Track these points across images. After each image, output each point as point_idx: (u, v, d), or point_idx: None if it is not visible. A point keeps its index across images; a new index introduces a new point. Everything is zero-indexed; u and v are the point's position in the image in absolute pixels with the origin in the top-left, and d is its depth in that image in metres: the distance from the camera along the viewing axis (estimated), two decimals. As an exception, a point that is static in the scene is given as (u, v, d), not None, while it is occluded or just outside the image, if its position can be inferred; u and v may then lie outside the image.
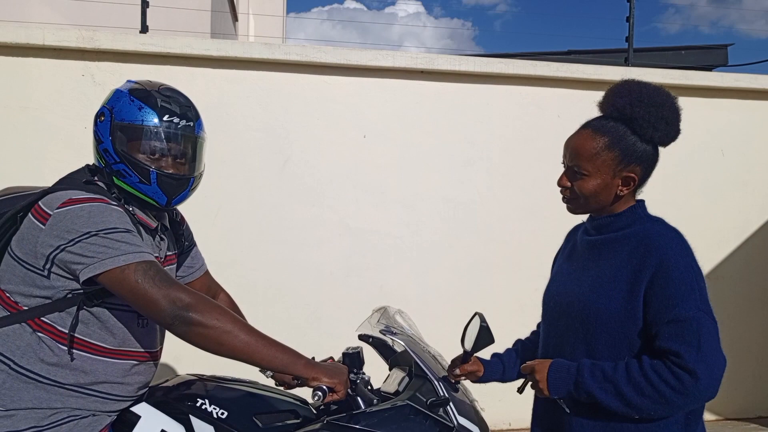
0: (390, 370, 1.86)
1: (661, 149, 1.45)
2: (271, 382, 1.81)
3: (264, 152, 3.40)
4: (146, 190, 1.48)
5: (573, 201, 1.48)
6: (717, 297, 3.98)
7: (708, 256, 3.87)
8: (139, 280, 1.30)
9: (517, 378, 1.71)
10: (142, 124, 1.47)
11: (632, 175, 1.41)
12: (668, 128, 1.39)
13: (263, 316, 3.26)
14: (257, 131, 3.39)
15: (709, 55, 6.31)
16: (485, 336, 1.50)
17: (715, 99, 3.84)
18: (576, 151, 1.43)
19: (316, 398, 1.38)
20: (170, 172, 1.50)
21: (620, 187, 1.42)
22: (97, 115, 1.50)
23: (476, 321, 1.53)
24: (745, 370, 3.96)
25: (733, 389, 3.95)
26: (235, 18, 7.64)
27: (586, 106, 3.91)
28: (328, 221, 3.46)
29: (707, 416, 3.92)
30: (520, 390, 1.53)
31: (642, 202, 1.49)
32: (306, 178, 3.44)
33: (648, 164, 1.43)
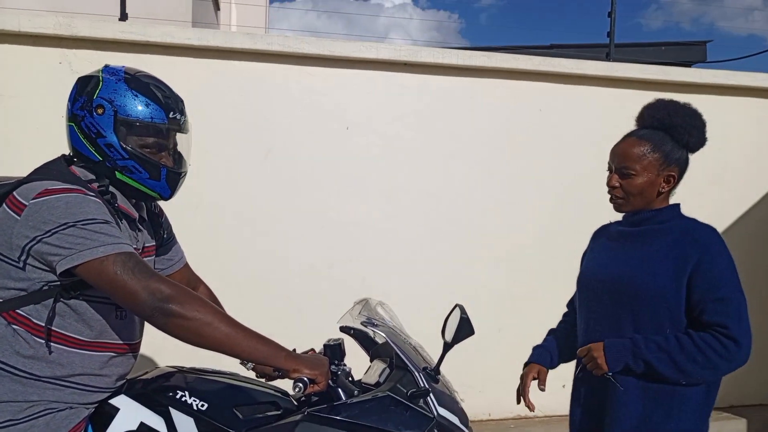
0: (371, 361, 1.87)
1: None
2: (251, 374, 1.81)
3: (245, 143, 3.37)
4: (154, 185, 1.50)
5: (622, 198, 1.72)
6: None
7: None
8: (118, 272, 1.29)
9: (560, 363, 1.94)
10: (152, 121, 1.47)
11: (673, 174, 1.67)
12: (699, 135, 1.68)
13: (244, 308, 3.22)
14: (239, 122, 3.35)
15: (688, 52, 6.40)
16: (465, 328, 1.51)
17: (693, 95, 3.87)
18: (625, 154, 1.69)
19: (297, 389, 1.39)
20: (174, 167, 1.54)
21: (662, 185, 1.67)
22: (92, 107, 1.44)
23: (456, 313, 1.55)
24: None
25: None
26: (217, 7, 7.55)
27: (568, 100, 3.98)
28: (310, 213, 3.44)
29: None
30: (579, 373, 1.80)
31: (678, 204, 1.75)
32: (288, 170, 3.42)
33: (683, 166, 1.69)
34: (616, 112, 3.77)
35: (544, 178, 3.72)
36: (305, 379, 1.39)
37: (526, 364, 1.93)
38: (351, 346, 1.83)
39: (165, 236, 1.76)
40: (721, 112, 3.93)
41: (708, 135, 1.72)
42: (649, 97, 3.86)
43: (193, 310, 1.31)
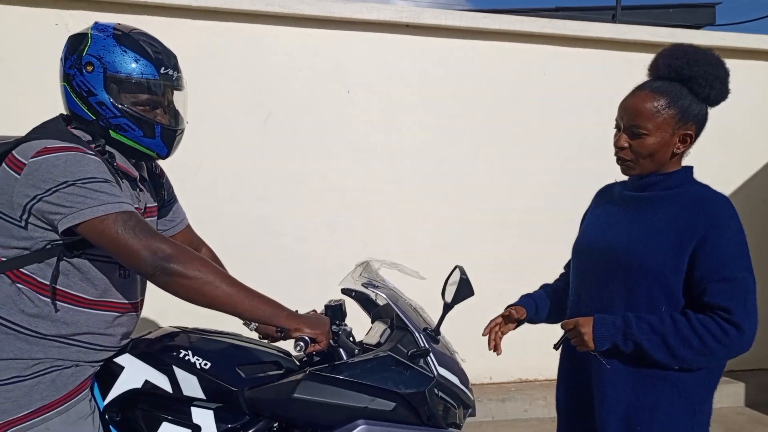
0: (372, 323, 1.88)
1: None
2: (254, 335, 1.83)
3: (246, 106, 3.34)
4: (149, 143, 1.48)
5: (631, 161, 1.52)
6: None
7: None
8: (120, 231, 1.29)
9: (547, 321, 1.81)
10: (142, 77, 1.44)
11: (690, 132, 1.47)
12: (722, 87, 1.47)
13: (246, 271, 3.22)
14: (238, 84, 3.32)
15: (697, 14, 6.27)
16: (465, 288, 1.52)
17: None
18: (635, 110, 1.48)
19: (298, 348, 1.40)
20: (169, 124, 1.51)
21: (678, 145, 1.47)
22: (81, 65, 1.42)
23: (456, 274, 1.55)
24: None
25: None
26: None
27: (573, 63, 3.92)
28: (312, 176, 3.43)
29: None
30: (557, 346, 1.59)
31: (691, 167, 1.55)
32: (289, 133, 3.39)
33: (701, 124, 1.49)
34: (623, 76, 3.68)
35: (548, 143, 3.69)
36: (306, 338, 1.40)
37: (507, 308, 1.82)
38: (353, 307, 1.85)
39: (166, 197, 1.75)
40: (732, 75, 3.88)
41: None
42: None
43: (194, 269, 1.31)
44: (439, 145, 3.57)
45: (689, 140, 1.48)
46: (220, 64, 3.28)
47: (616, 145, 1.54)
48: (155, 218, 1.67)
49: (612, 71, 3.67)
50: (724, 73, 1.47)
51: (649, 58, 4.30)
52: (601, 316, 1.47)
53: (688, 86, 1.45)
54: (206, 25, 3.25)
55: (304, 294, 3.39)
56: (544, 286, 1.89)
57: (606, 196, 1.71)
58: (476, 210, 3.65)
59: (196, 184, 3.27)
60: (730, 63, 4.31)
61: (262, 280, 3.11)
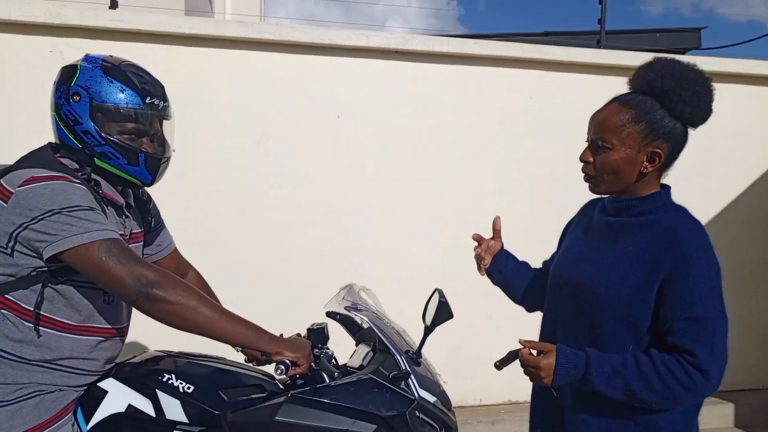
0: (356, 345, 1.91)
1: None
2: (240, 358, 1.85)
3: (238, 132, 3.38)
4: (133, 171, 1.51)
5: (595, 178, 1.44)
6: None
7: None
8: (103, 258, 1.32)
9: (510, 284, 1.76)
10: (128, 107, 1.48)
11: (658, 150, 1.36)
12: (700, 105, 1.35)
13: (241, 296, 3.25)
14: (231, 110, 3.36)
15: (683, 38, 6.40)
16: (444, 311, 1.54)
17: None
18: (601, 123, 1.40)
19: (279, 372, 1.42)
20: (154, 152, 1.54)
21: (645, 164, 1.37)
22: (68, 95, 1.47)
23: (435, 297, 1.58)
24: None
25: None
26: (211, -6, 7.52)
27: (558, 87, 3.99)
28: (304, 201, 3.47)
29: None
30: (499, 366, 1.48)
31: (668, 189, 1.45)
32: (281, 158, 3.43)
33: (675, 143, 1.38)
34: (607, 99, 3.80)
35: (535, 166, 3.75)
36: (287, 361, 1.42)
37: None
38: (338, 331, 1.87)
39: (153, 223, 1.78)
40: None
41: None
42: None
43: (176, 294, 1.34)
44: (429, 168, 3.62)
45: (658, 159, 1.37)
46: (213, 90, 3.33)
47: (580, 159, 1.46)
48: (141, 244, 1.70)
49: (596, 95, 3.69)
50: (704, 91, 1.36)
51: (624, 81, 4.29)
52: (563, 354, 1.36)
53: (661, 101, 1.35)
54: (200, 52, 3.31)
55: (298, 317, 3.40)
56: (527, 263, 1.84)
57: (587, 215, 1.61)
58: (467, 231, 3.66)
59: (192, 209, 3.31)
60: (716, 86, 4.32)
61: (258, 303, 3.16)
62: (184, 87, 3.30)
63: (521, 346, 1.41)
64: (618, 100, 1.41)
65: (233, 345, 1.43)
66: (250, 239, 3.41)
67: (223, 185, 3.37)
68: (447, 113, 3.62)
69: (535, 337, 1.59)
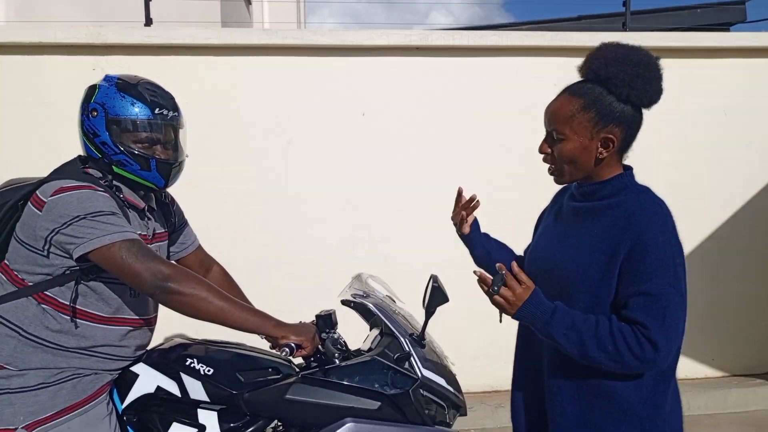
0: (370, 330, 2.02)
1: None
2: (265, 345, 1.99)
3: (268, 134, 3.56)
4: (146, 176, 1.67)
5: (555, 169, 1.49)
6: (723, 256, 3.98)
7: (712, 215, 3.90)
8: (124, 256, 1.48)
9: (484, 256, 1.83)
10: (138, 118, 1.65)
11: (611, 136, 1.40)
12: (646, 86, 1.37)
13: (275, 289, 3.46)
14: (260, 114, 3.54)
15: (726, 13, 6.15)
16: (438, 296, 1.62)
17: (717, 59, 3.82)
18: (553, 115, 1.45)
19: (284, 353, 1.55)
20: (165, 158, 1.69)
21: (600, 149, 1.41)
22: (88, 111, 1.65)
23: (430, 283, 1.67)
24: (753, 327, 4.00)
25: (741, 347, 4.00)
26: (248, 2, 7.78)
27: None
28: (333, 197, 3.62)
29: (714, 373, 3.98)
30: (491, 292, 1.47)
31: (630, 170, 1.49)
32: (309, 157, 3.59)
33: (628, 125, 1.41)
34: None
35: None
36: (292, 344, 1.56)
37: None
38: (354, 318, 1.99)
39: (177, 222, 1.95)
40: (747, 74, 3.86)
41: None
42: (671, 65, 3.84)
43: (189, 287, 1.50)
44: (453, 160, 3.69)
45: (612, 144, 1.40)
46: (242, 96, 3.52)
47: (539, 151, 1.50)
48: (166, 243, 1.86)
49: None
50: (649, 72, 1.37)
51: (661, 63, 4.31)
52: (537, 296, 1.42)
53: (607, 87, 1.38)
54: (229, 60, 3.51)
55: (328, 306, 3.57)
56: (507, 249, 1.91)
57: (558, 203, 1.67)
58: (493, 222, 3.72)
59: (225, 208, 3.51)
60: (747, 62, 4.30)
61: (290, 296, 3.33)
62: (216, 94, 3.50)
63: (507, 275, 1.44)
64: (567, 90, 1.45)
65: (243, 331, 1.56)
66: (282, 234, 3.59)
67: (256, 185, 3.55)
68: (470, 104, 3.67)
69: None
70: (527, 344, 1.66)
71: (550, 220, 1.67)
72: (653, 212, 1.37)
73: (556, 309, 1.41)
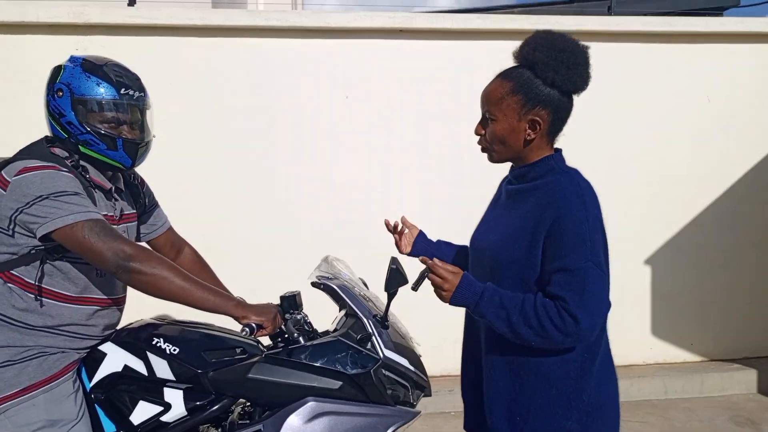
0: (339, 312, 2.05)
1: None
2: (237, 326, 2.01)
3: (251, 116, 3.56)
4: (113, 155, 1.69)
5: (488, 149, 1.58)
6: (704, 242, 4.02)
7: (694, 202, 3.92)
8: (86, 236, 1.50)
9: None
10: (103, 98, 1.66)
11: (537, 118, 1.47)
12: (570, 72, 1.44)
13: (257, 270, 3.50)
14: (242, 96, 3.54)
15: (720, -3, 6.10)
16: (396, 277, 1.64)
17: (701, 44, 3.81)
18: (486, 97, 1.54)
19: (244, 333, 1.58)
20: (132, 138, 1.70)
21: (528, 131, 1.49)
22: (54, 91, 1.67)
23: (389, 265, 1.69)
24: (734, 312, 4.04)
25: (721, 331, 4.05)
26: (242, -18, 7.68)
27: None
28: (314, 179, 3.63)
29: (693, 358, 4.04)
30: (414, 287, 1.57)
31: (558, 152, 1.56)
32: (291, 139, 3.60)
33: (555, 108, 1.48)
34: (618, 68, 3.76)
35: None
36: (252, 324, 1.58)
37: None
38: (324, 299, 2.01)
39: (147, 203, 1.96)
40: (731, 60, 3.86)
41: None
42: (654, 50, 3.83)
43: (151, 267, 1.52)
44: (436, 143, 3.70)
45: (539, 126, 1.47)
46: (225, 77, 3.52)
47: (475, 133, 1.59)
48: (135, 223, 1.88)
49: (607, 63, 3.71)
50: (572, 58, 1.44)
51: (646, 48, 4.32)
52: (466, 280, 1.49)
53: (535, 71, 1.45)
54: (211, 41, 3.50)
55: (311, 290, 3.61)
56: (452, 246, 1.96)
57: (499, 189, 1.74)
58: (475, 207, 3.73)
59: (207, 190, 3.53)
60: (730, 48, 4.29)
61: (273, 277, 3.36)
62: (198, 75, 3.50)
63: (431, 265, 1.53)
64: (500, 75, 1.53)
65: (204, 310, 1.59)
66: (263, 215, 3.60)
67: (237, 167, 3.57)
68: (453, 88, 3.67)
69: None
70: (469, 325, 1.74)
71: (490, 206, 1.75)
72: (572, 191, 1.43)
73: (485, 289, 1.47)
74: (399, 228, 1.96)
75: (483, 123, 1.56)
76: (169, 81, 3.45)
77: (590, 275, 1.37)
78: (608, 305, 1.43)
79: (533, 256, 1.44)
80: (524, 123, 1.49)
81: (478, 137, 1.59)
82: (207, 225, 3.44)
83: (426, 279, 1.54)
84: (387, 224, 1.96)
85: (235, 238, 3.57)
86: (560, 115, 1.50)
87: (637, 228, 3.87)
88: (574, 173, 1.52)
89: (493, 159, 1.59)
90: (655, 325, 3.99)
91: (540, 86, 1.45)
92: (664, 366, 3.93)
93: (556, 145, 1.58)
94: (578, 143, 3.68)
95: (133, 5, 3.55)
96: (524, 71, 1.48)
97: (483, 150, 1.60)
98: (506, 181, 1.68)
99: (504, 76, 1.52)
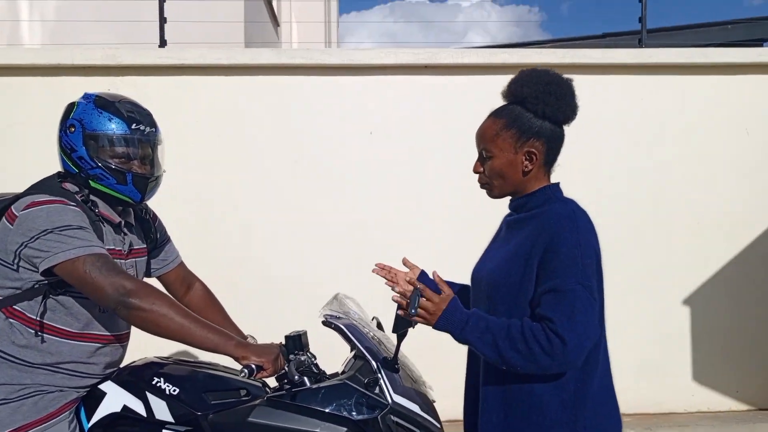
0: (350, 353, 1.97)
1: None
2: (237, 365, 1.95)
3: (275, 153, 3.57)
4: (123, 190, 1.69)
5: (488, 185, 1.61)
6: (747, 280, 3.80)
7: (734, 237, 3.72)
8: (87, 270, 1.49)
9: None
10: (114, 134, 1.67)
11: (533, 150, 1.52)
12: (559, 103, 1.50)
13: (281, 307, 3.45)
14: (268, 133, 3.57)
15: (758, 28, 5.96)
16: (400, 322, 1.57)
17: (738, 76, 3.68)
18: (480, 136, 1.60)
19: (243, 375, 1.52)
20: (142, 172, 1.70)
21: (525, 163, 1.53)
22: (66, 127, 1.69)
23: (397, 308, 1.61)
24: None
25: (766, 378, 3.78)
26: (277, 24, 7.92)
27: (595, 91, 3.89)
28: (340, 216, 3.59)
29: (738, 406, 3.77)
30: (411, 313, 1.50)
31: (556, 184, 1.59)
32: (316, 176, 3.59)
33: (549, 139, 1.53)
34: (650, 100, 3.66)
35: (576, 171, 3.65)
36: (252, 366, 1.52)
37: None
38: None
39: (159, 238, 1.95)
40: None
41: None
42: (687, 81, 3.72)
43: (150, 303, 1.49)
44: (462, 179, 3.61)
45: (536, 157, 1.52)
46: (251, 115, 3.55)
47: (473, 171, 1.63)
48: (144, 258, 1.87)
49: (637, 96, 3.62)
50: (559, 89, 1.51)
51: (679, 80, 4.20)
52: (454, 304, 1.49)
53: (525, 106, 1.51)
54: (238, 80, 3.55)
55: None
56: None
57: (501, 223, 1.75)
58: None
59: (232, 226, 3.53)
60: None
61: (296, 314, 3.30)
62: (225, 113, 3.55)
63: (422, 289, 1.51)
64: (492, 114, 1.59)
65: (204, 350, 1.54)
66: (290, 253, 3.57)
67: (263, 204, 3.56)
68: (479, 123, 3.61)
69: None
70: (471, 357, 1.72)
71: (491, 241, 1.78)
72: (565, 216, 1.46)
73: (471, 315, 1.47)
74: (389, 273, 1.94)
75: (481, 160, 1.60)
76: (197, 118, 3.51)
77: (579, 297, 1.37)
78: (597, 331, 1.43)
79: (527, 281, 1.45)
80: (521, 155, 1.53)
81: (479, 175, 1.63)
82: (230, 262, 3.43)
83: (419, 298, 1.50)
84: (376, 272, 1.92)
85: (259, 277, 3.54)
86: (554, 145, 1.56)
87: (676, 265, 3.69)
88: (570, 202, 1.55)
89: (493, 194, 1.63)
90: (697, 369, 3.75)
91: (532, 119, 1.51)
92: (707, 415, 3.67)
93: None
94: (618, 179, 3.61)
95: (164, 47, 3.65)
96: (515, 107, 1.54)
97: (482, 186, 1.64)
98: (507, 215, 1.71)
99: (496, 114, 1.57)
